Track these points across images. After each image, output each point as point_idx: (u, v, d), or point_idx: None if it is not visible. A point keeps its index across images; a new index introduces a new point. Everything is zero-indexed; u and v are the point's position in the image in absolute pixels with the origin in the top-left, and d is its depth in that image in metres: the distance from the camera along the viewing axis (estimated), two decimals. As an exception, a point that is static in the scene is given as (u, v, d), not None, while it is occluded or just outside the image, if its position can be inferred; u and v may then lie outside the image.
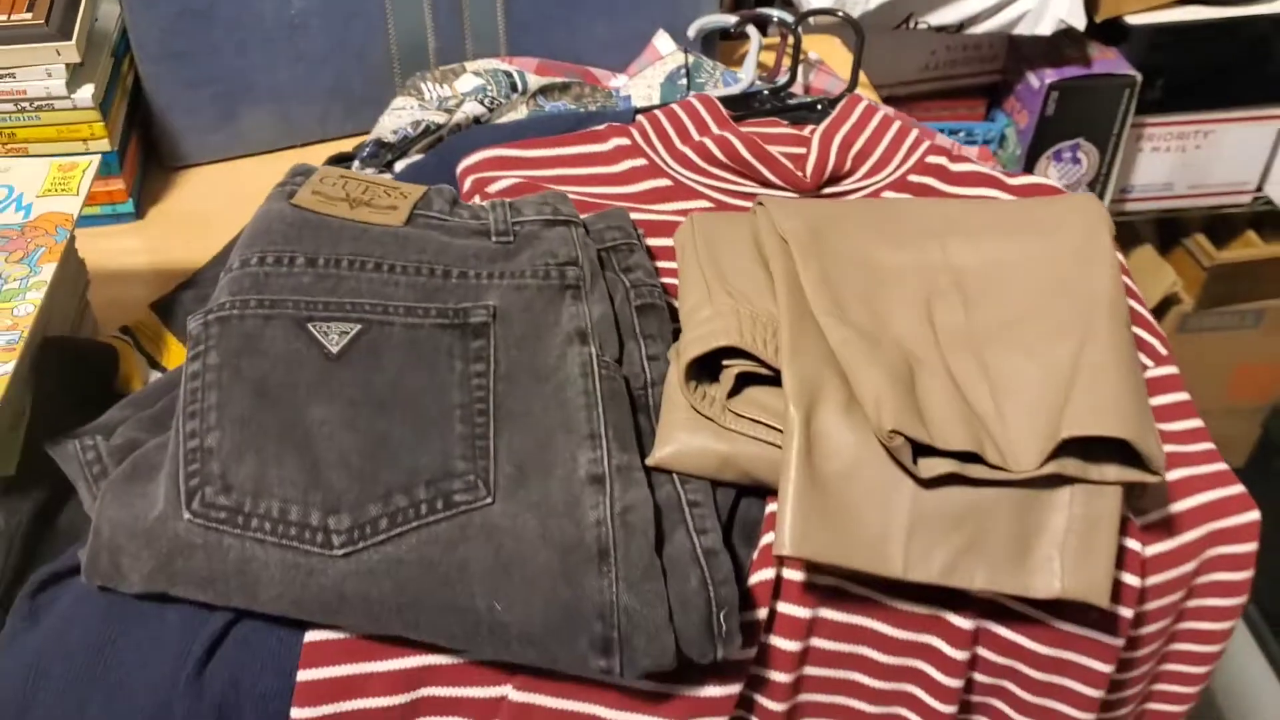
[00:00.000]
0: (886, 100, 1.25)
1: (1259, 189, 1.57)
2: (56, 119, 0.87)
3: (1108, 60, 1.36)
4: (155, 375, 0.78)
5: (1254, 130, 1.50)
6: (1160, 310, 1.64)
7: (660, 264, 0.79)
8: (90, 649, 0.61)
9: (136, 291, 0.86)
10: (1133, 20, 1.33)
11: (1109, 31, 1.37)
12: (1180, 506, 0.71)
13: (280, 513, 0.60)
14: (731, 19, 1.04)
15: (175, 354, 0.80)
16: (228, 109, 0.99)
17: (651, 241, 0.80)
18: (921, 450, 0.62)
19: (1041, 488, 0.63)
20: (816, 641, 0.66)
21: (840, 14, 0.97)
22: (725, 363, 0.67)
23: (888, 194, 0.86)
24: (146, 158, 1.01)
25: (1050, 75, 1.35)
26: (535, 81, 0.96)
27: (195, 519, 0.60)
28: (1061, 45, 1.37)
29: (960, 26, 1.25)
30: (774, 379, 0.66)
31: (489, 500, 0.62)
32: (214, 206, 0.97)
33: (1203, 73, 1.43)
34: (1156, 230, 1.67)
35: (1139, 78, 1.35)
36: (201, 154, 1.01)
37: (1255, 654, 1.70)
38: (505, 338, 0.69)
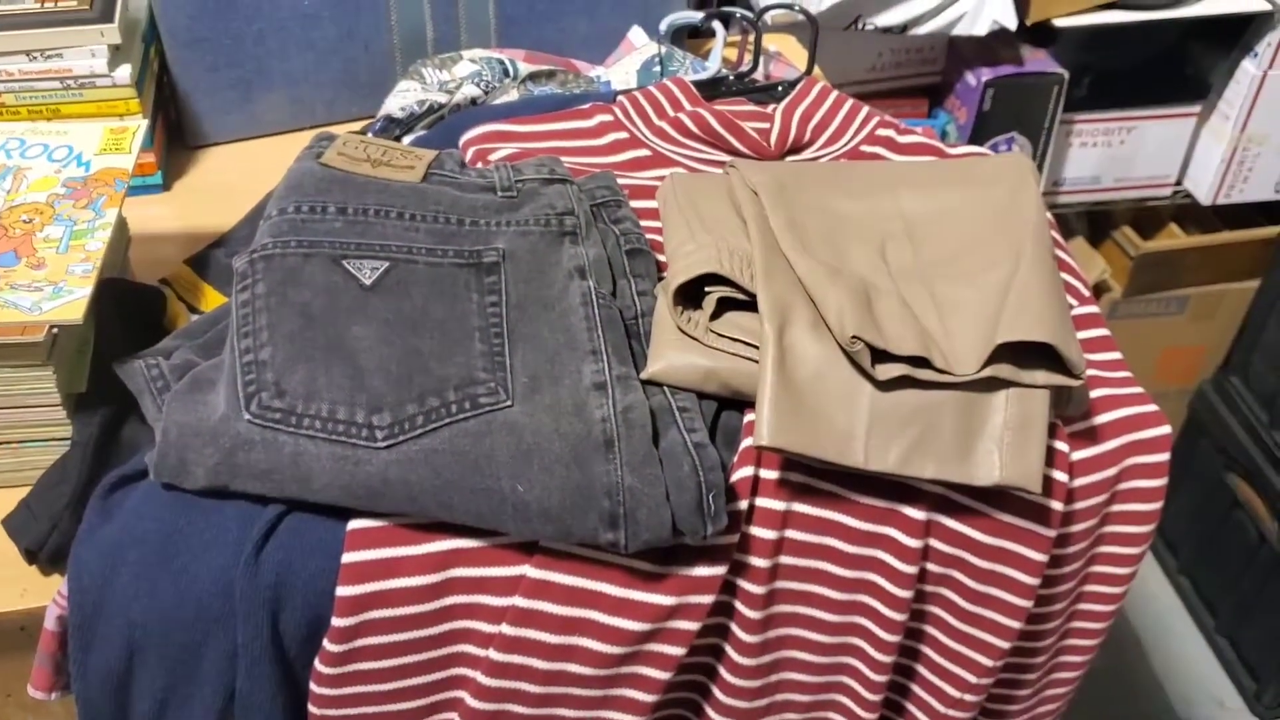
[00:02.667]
0: (838, 96, 1.36)
1: (1178, 182, 1.70)
2: (98, 95, 0.96)
3: (1038, 60, 1.48)
4: (194, 317, 0.87)
5: (1173, 127, 1.61)
6: (1091, 297, 1.76)
7: (643, 223, 0.89)
8: (160, 537, 0.70)
9: (168, 252, 0.95)
10: (1060, 23, 1.45)
11: (1039, 34, 1.49)
12: (1101, 419, 0.81)
13: (329, 413, 0.69)
14: (698, 15, 1.14)
15: (212, 300, 0.89)
16: (245, 92, 1.08)
17: (633, 203, 0.90)
18: (877, 357, 0.73)
19: (981, 391, 0.74)
20: (790, 533, 0.75)
21: (797, 8, 1.08)
22: (707, 289, 0.77)
23: (840, 161, 0.97)
24: (170, 136, 1.10)
25: (986, 74, 1.46)
26: (525, 68, 1.06)
27: (254, 419, 0.69)
28: (996, 47, 1.49)
29: (904, 27, 1.37)
30: (749, 304, 0.76)
31: (509, 403, 0.71)
32: (233, 180, 1.06)
33: (1125, 72, 1.55)
34: (1087, 223, 1.79)
35: (1066, 75, 1.47)
36: (220, 133, 1.10)
37: (1184, 616, 1.82)
38: (514, 274, 0.79)
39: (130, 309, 0.82)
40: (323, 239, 0.76)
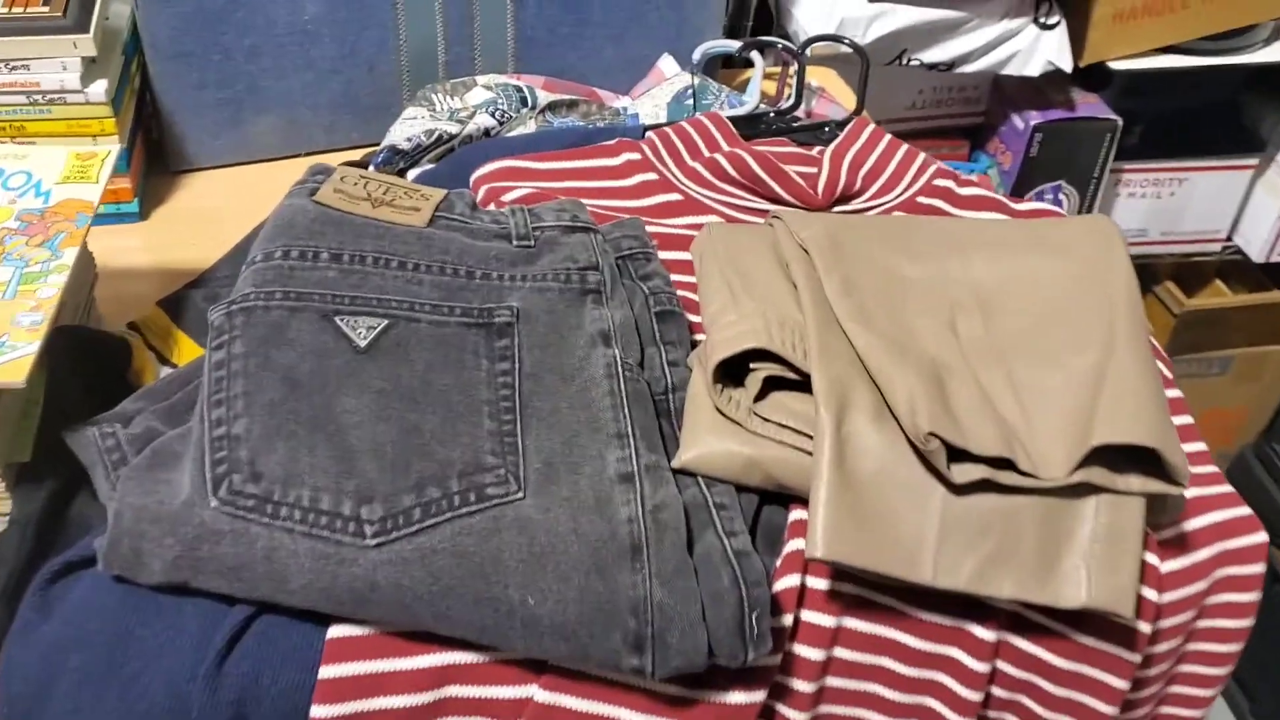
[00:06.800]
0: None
1: (1229, 238, 1.61)
2: (68, 113, 0.87)
3: (1090, 104, 1.39)
4: (165, 371, 0.77)
5: (1226, 179, 1.53)
6: (1131, 356, 1.67)
7: (673, 277, 0.79)
8: (108, 640, 0.60)
9: (140, 289, 0.86)
10: (1117, 65, 1.36)
11: (1089, 77, 1.40)
12: (1192, 525, 0.72)
13: (311, 502, 0.59)
14: (735, 44, 1.05)
15: (186, 350, 0.79)
16: (235, 113, 0.99)
17: (663, 255, 0.81)
18: (953, 455, 0.63)
19: (1068, 497, 0.64)
20: (839, 651, 0.66)
21: (846, 41, 0.99)
22: (753, 365, 0.67)
23: (897, 214, 0.87)
24: (150, 160, 1.01)
25: (1035, 117, 1.37)
26: (544, 97, 0.96)
27: (223, 506, 0.59)
28: (1045, 89, 1.40)
29: (951, 65, 1.27)
30: (800, 384, 0.66)
31: (520, 495, 0.61)
32: (218, 210, 0.97)
33: (1179, 120, 1.47)
34: (1128, 276, 1.70)
35: (1120, 122, 1.38)
36: (206, 158, 1.01)
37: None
38: (529, 338, 0.69)
39: (89, 361, 0.72)
40: (313, 290, 0.67)
